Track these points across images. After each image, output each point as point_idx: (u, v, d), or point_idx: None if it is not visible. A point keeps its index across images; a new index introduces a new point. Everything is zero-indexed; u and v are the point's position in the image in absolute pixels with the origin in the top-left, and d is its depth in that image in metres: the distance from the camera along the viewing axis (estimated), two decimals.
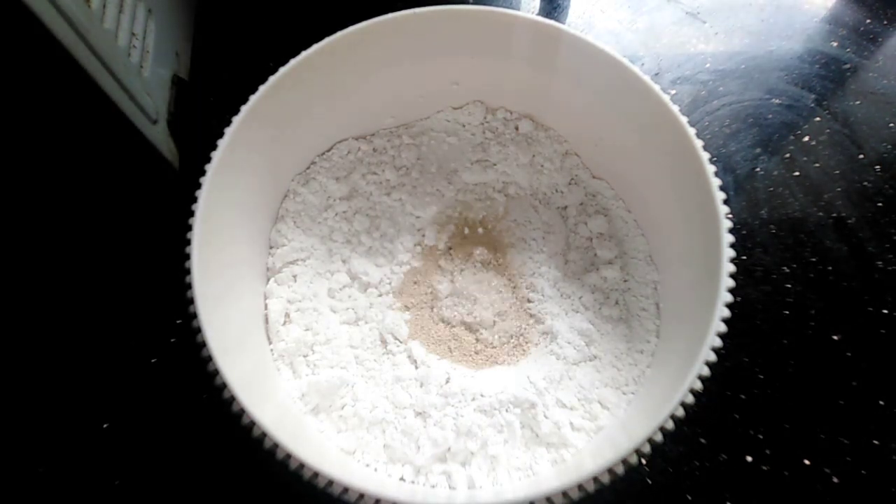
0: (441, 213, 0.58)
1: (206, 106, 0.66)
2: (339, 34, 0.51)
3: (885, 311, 0.56)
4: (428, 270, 0.56)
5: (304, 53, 0.51)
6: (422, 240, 0.57)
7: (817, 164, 0.65)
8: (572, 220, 0.57)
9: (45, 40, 0.44)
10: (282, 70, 0.50)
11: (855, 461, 0.50)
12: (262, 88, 0.50)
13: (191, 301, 0.41)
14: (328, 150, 0.59)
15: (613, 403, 0.48)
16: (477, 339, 0.53)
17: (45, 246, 0.57)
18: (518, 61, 0.55)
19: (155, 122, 0.58)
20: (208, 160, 0.46)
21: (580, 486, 0.37)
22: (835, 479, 0.49)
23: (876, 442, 0.51)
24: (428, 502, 0.39)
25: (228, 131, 0.48)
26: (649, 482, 0.49)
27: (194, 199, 0.45)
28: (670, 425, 0.38)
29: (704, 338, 0.41)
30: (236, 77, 0.64)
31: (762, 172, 0.65)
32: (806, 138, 0.67)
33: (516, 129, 0.60)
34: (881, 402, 0.52)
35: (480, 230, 0.58)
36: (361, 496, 0.37)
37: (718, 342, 0.41)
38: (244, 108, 0.49)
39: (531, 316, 0.53)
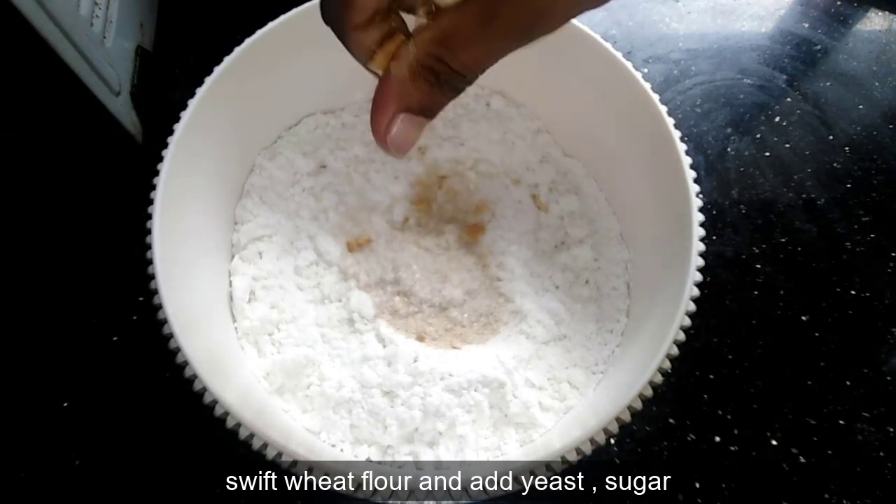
0: (410, 190, 0.57)
1: (170, 78, 0.65)
2: (307, 5, 0.50)
3: (853, 293, 0.57)
4: (396, 248, 0.55)
5: (270, 24, 0.50)
6: (391, 217, 0.56)
7: (788, 145, 0.65)
8: (543, 198, 0.57)
9: (1, 6, 0.42)
10: (248, 41, 0.49)
11: (822, 441, 0.50)
12: (227, 60, 0.49)
13: (152, 277, 0.40)
14: (296, 125, 0.58)
15: (583, 383, 0.48)
16: (446, 318, 0.52)
17: (2, 222, 0.56)
18: None
19: (118, 94, 0.56)
20: (171, 133, 0.45)
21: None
22: (802, 459, 0.50)
23: (842, 422, 0.51)
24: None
25: (192, 103, 0.46)
26: (618, 462, 0.49)
27: (157, 174, 0.44)
28: (638, 404, 0.38)
29: (674, 318, 0.40)
30: (202, 49, 0.63)
31: (733, 152, 0.65)
32: (777, 119, 0.67)
33: (487, 105, 0.59)
34: (848, 383, 0.53)
35: (450, 208, 0.57)
36: (326, 476, 0.37)
37: (688, 322, 0.41)
38: (209, 80, 0.48)
39: (501, 295, 0.53)
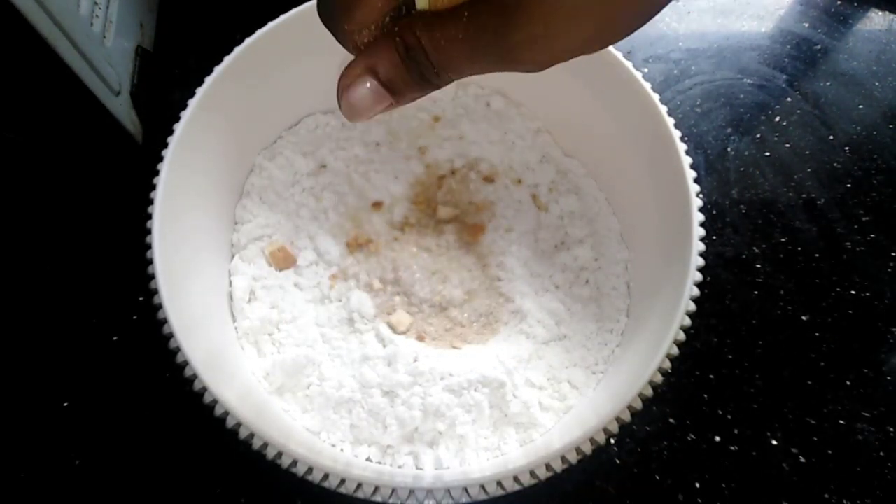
0: (410, 190, 0.57)
1: (170, 78, 0.64)
2: (306, 5, 0.50)
3: (853, 292, 0.57)
4: (396, 248, 0.55)
5: (270, 25, 0.50)
6: (391, 217, 0.56)
7: (788, 145, 0.65)
8: (543, 198, 0.57)
9: (1, 6, 0.42)
10: (248, 41, 0.49)
11: (822, 441, 0.50)
12: (227, 60, 0.49)
13: (152, 277, 0.40)
14: (296, 125, 0.58)
15: (583, 383, 0.48)
16: (446, 318, 0.52)
17: (2, 222, 0.56)
18: None
19: (118, 93, 0.56)
20: (171, 133, 0.45)
21: (548, 465, 0.37)
22: (802, 459, 0.50)
23: (842, 422, 0.51)
24: (394, 482, 0.39)
25: (192, 103, 0.46)
26: (618, 462, 0.49)
27: (157, 174, 0.44)
28: (638, 404, 0.38)
29: (674, 317, 0.40)
30: (202, 49, 0.63)
31: (733, 152, 0.65)
32: (777, 119, 0.67)
33: (487, 105, 0.59)
34: (847, 383, 0.53)
35: (450, 208, 0.57)
36: (326, 476, 0.36)
37: (688, 322, 0.41)
38: (209, 80, 0.48)
39: (501, 295, 0.53)
